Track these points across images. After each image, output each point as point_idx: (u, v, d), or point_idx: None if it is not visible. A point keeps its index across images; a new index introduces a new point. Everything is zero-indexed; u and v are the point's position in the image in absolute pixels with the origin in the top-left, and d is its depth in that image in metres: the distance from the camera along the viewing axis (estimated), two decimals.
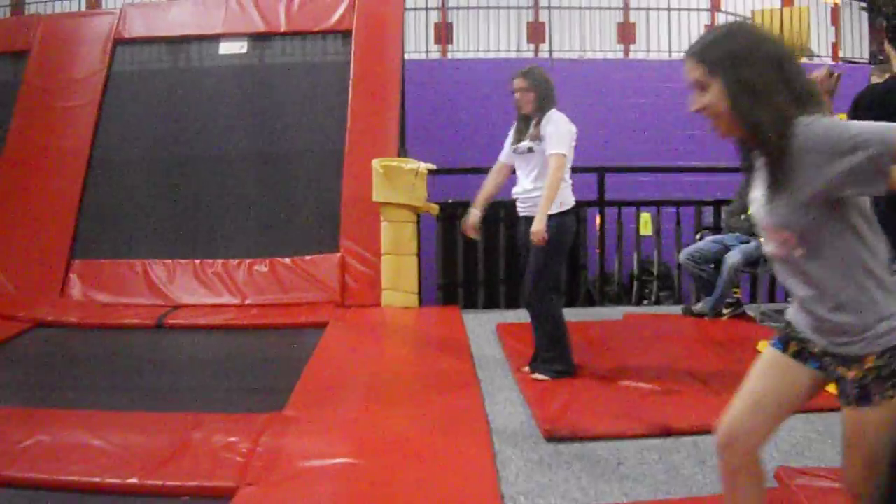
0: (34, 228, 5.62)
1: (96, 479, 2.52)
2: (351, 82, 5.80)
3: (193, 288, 5.36)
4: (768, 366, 1.61)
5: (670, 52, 9.96)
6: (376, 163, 5.13)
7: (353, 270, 5.30)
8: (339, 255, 5.35)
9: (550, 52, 10.06)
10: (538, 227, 3.24)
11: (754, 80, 1.37)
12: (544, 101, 3.38)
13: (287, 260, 5.42)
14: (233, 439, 2.76)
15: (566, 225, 3.38)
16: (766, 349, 1.65)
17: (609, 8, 10.90)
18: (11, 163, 5.83)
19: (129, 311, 5.10)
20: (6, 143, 5.88)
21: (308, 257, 5.41)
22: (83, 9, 10.56)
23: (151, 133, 5.98)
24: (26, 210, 5.68)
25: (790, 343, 1.59)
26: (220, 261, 5.47)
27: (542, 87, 3.38)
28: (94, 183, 5.82)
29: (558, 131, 3.32)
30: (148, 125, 6.00)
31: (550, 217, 3.27)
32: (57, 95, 6.01)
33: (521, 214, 3.52)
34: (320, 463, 2.60)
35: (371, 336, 4.56)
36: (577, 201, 3.50)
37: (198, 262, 5.49)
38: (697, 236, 5.34)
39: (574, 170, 3.50)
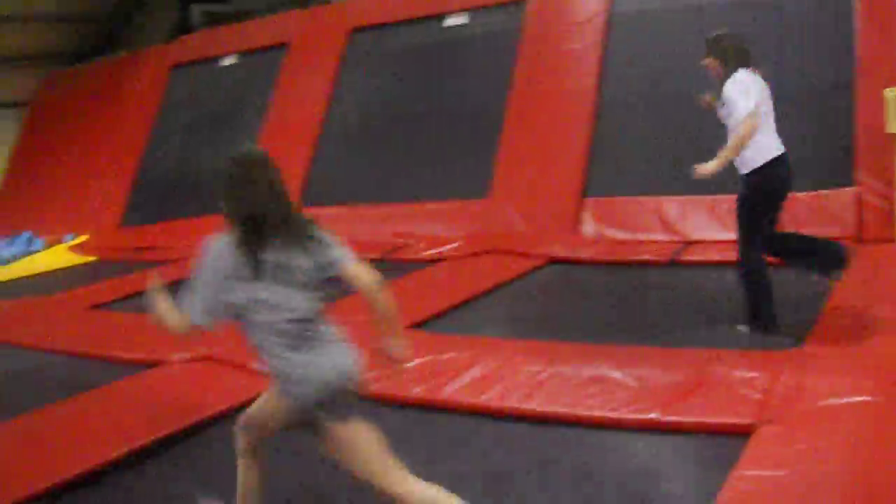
0: (545, 168, 7.08)
1: (615, 414, 3.13)
2: (857, 12, 6.23)
3: (706, 224, 6.08)
4: None
5: None
6: (890, 93, 5.32)
7: (869, 205, 5.64)
8: (855, 189, 5.74)
9: None
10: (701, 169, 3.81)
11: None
12: (727, 66, 4.01)
13: (801, 194, 5.68)
14: (751, 375, 3.20)
15: (754, 184, 3.92)
16: None
17: None
18: (519, 106, 7.43)
19: (642, 247, 6.06)
20: (512, 87, 7.47)
21: (822, 192, 5.78)
22: None
23: (657, 70, 6.99)
24: (536, 151, 7.20)
25: None
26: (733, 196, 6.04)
27: (720, 54, 4.08)
28: (602, 122, 7.05)
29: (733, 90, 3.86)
30: (650, 64, 7.04)
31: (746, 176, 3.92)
32: (558, 40, 7.46)
33: None
34: (842, 401, 2.87)
35: (890, 273, 4.66)
36: None
37: (710, 197, 6.15)
38: None
39: None
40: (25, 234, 10.90)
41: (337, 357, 2.27)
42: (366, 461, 2.23)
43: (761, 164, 3.87)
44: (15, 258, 10.12)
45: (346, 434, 2.23)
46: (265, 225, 2.22)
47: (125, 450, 3.25)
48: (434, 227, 7.35)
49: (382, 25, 9.08)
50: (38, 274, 9.03)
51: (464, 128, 7.88)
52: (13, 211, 12.15)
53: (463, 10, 8.44)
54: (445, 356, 3.90)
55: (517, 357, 3.81)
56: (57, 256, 9.88)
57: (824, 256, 4.07)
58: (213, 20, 11.83)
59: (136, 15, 14.47)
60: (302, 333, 2.23)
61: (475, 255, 6.51)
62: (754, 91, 3.83)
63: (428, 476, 2.28)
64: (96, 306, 6.58)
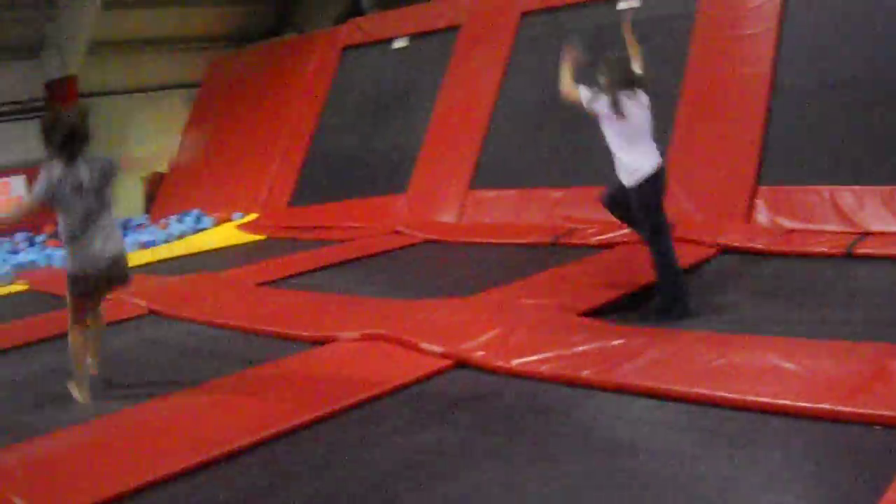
0: (718, 155, 7.69)
1: (785, 402, 3.40)
2: None
3: (883, 215, 6.52)
4: None
5: None
6: None
7: None
8: None
9: None
10: None
11: None
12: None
13: None
14: None
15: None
16: None
17: None
18: (693, 92, 8.08)
19: (817, 238, 6.53)
20: (686, 73, 8.09)
21: None
22: None
23: (833, 56, 7.48)
24: (710, 137, 7.82)
25: None
26: None
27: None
28: (777, 109, 7.60)
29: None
30: (825, 49, 7.54)
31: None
32: (733, 25, 8.12)
33: None
34: None
35: None
36: None
37: (888, 188, 6.59)
38: None
39: None
40: (194, 212, 12.49)
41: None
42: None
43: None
44: (184, 235, 11.59)
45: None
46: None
47: (296, 422, 3.77)
48: (605, 213, 8.03)
49: (554, 8, 9.88)
50: (206, 251, 10.19)
51: None
52: (183, 189, 13.85)
53: None
54: (615, 343, 4.28)
55: (689, 346, 4.15)
56: (225, 234, 11.22)
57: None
58: (384, 3, 13.01)
59: None
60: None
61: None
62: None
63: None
64: (265, 283, 7.34)
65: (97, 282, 4.62)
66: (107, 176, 4.66)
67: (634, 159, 5.10)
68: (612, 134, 5.20)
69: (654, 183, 5.11)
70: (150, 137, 16.76)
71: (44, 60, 15.76)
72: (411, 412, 3.85)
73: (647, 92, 5.21)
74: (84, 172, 4.52)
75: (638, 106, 5.11)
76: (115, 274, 4.66)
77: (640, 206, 5.16)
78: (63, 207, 4.49)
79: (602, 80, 5.17)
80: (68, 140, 4.48)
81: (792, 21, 7.82)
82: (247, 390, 4.36)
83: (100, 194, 4.59)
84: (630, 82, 5.11)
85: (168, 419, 4.05)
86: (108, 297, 5.14)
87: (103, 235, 4.57)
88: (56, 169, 4.48)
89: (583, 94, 5.24)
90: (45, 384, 5.04)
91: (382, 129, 10.98)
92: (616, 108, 5.03)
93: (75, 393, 4.64)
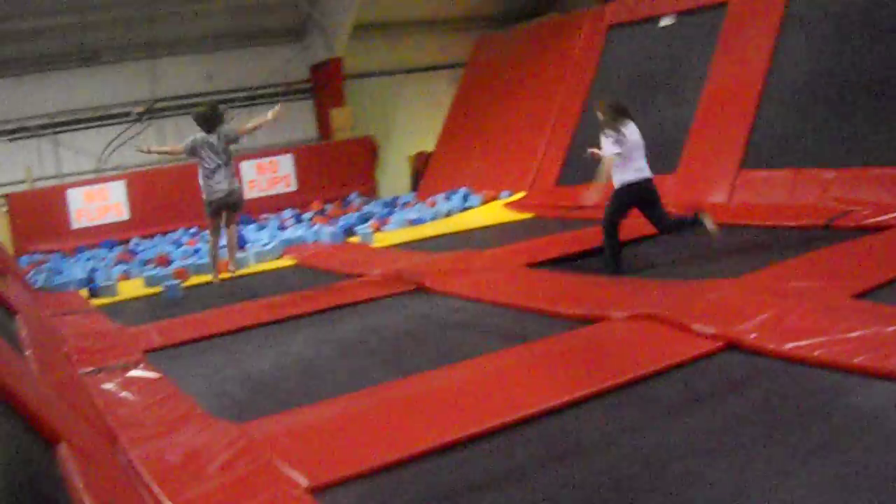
0: None
1: None
2: None
3: None
4: None
5: None
6: None
7: None
8: None
9: None
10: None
11: None
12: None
13: None
14: None
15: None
16: None
17: None
18: None
19: None
20: None
21: None
22: None
23: None
24: None
25: None
26: None
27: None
28: None
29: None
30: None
31: None
32: None
33: None
34: None
35: None
36: None
37: None
38: None
39: None
40: (462, 190, 12.92)
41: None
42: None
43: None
44: (451, 213, 12.04)
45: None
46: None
47: (568, 398, 3.81)
48: (879, 194, 7.56)
49: None
50: (473, 229, 10.52)
51: None
52: (450, 167, 14.38)
53: None
54: (891, 327, 4.05)
55: None
56: (493, 212, 11.52)
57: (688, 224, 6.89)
58: None
59: None
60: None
61: None
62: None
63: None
64: (533, 262, 7.47)
65: (219, 206, 7.68)
66: (228, 140, 7.60)
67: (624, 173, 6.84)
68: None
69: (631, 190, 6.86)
70: (416, 117, 17.52)
71: (308, 43, 16.88)
72: (682, 393, 3.82)
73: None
74: (213, 138, 7.53)
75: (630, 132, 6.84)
76: (231, 201, 7.70)
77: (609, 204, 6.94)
78: (200, 158, 7.55)
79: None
80: (202, 120, 7.58)
81: None
82: (519, 366, 4.46)
83: (224, 151, 7.56)
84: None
85: (439, 391, 4.20)
86: (235, 217, 7.93)
87: (224, 176, 7.57)
88: (199, 135, 7.55)
89: (606, 145, 6.78)
90: (309, 357, 5.39)
91: (650, 108, 10.79)
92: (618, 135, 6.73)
93: None
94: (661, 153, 10.23)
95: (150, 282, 9.13)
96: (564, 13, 14.94)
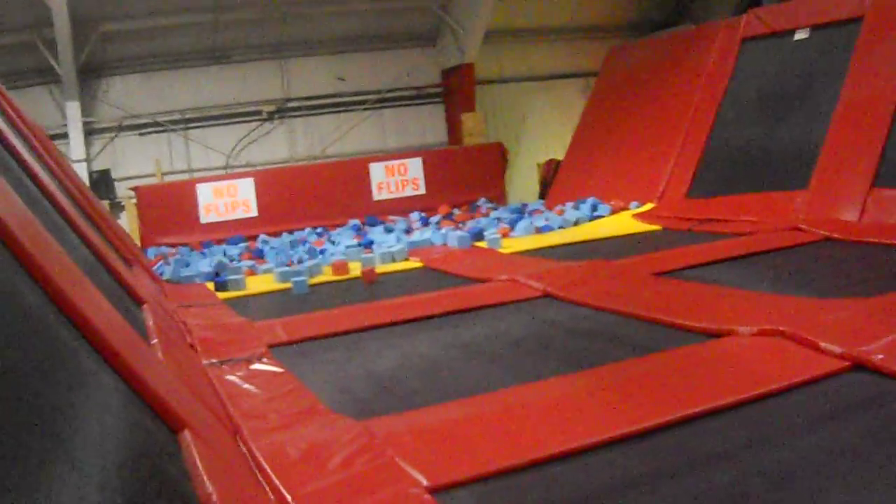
0: None
1: None
2: None
3: None
4: None
5: None
6: None
7: None
8: None
9: None
10: None
11: None
12: None
13: None
14: None
15: None
16: None
17: None
18: None
19: None
20: None
21: None
22: None
23: None
24: None
25: None
26: None
27: None
28: None
29: None
30: None
31: None
32: None
33: None
34: None
35: None
36: None
37: None
38: None
39: None
40: (590, 200, 12.74)
41: None
42: None
43: None
44: (580, 221, 11.90)
45: None
46: None
47: (689, 412, 3.73)
48: None
49: None
50: (600, 238, 10.42)
51: None
52: (579, 176, 14.23)
53: None
54: None
55: None
56: (621, 222, 11.34)
57: None
58: None
59: None
60: None
61: None
62: None
63: None
64: (660, 273, 7.35)
65: None
66: None
67: None
68: None
69: None
70: (545, 125, 17.44)
71: (441, 48, 17.01)
72: (807, 412, 3.71)
73: None
74: None
75: None
76: None
77: None
78: None
79: None
80: None
81: None
82: (644, 377, 4.39)
83: None
84: None
85: (564, 398, 4.14)
86: None
87: None
88: None
89: None
90: (433, 358, 5.35)
91: (782, 122, 10.56)
92: None
93: None
94: (793, 169, 10.07)
95: (281, 277, 9.29)
96: (698, 24, 14.64)
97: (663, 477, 3.17)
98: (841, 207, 9.12)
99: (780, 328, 4.74)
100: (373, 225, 14.03)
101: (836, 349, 4.30)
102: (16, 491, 1.31)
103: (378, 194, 15.22)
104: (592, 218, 12.07)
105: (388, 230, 12.89)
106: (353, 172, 15.36)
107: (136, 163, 15.36)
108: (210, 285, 9.30)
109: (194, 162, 15.81)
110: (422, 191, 15.60)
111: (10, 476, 1.33)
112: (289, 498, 3.05)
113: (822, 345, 4.38)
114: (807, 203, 9.49)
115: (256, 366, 5.21)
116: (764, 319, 4.99)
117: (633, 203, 12.20)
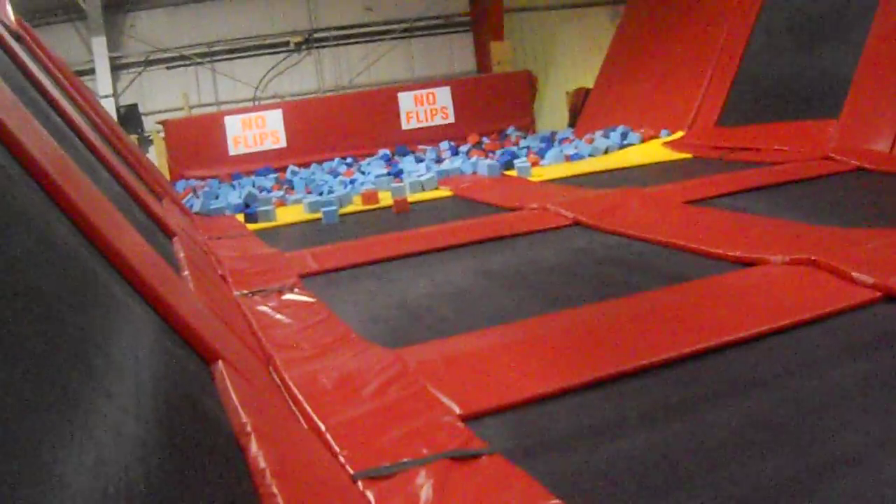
0: None
1: None
2: None
3: None
4: None
5: None
6: None
7: None
8: None
9: None
10: None
11: None
12: None
13: None
14: None
15: None
16: None
17: None
18: None
19: None
20: None
21: None
22: None
23: None
24: None
25: None
26: None
27: None
28: None
29: None
30: None
31: None
32: None
33: None
34: None
35: None
36: None
37: None
38: None
39: None
40: (620, 128, 12.57)
41: None
42: None
43: None
44: (610, 150, 11.77)
45: None
46: None
47: (720, 340, 3.71)
48: None
49: None
50: (630, 166, 10.31)
51: None
52: (608, 104, 14.02)
53: None
54: None
55: None
56: (651, 151, 11.19)
57: None
58: None
59: None
60: None
61: None
62: None
63: None
64: (690, 202, 7.26)
65: None
66: None
67: None
68: None
69: None
70: (574, 53, 17.14)
71: None
72: (838, 342, 3.67)
73: None
74: None
75: None
76: None
77: None
78: None
79: None
80: None
81: None
82: (676, 305, 4.34)
83: None
84: None
85: (595, 326, 4.12)
86: None
87: None
88: None
89: None
90: (464, 287, 5.33)
91: (815, 50, 10.23)
92: None
93: None
94: (825, 98, 9.77)
95: (311, 207, 9.30)
96: None
97: (696, 403, 3.16)
98: (873, 137, 8.87)
99: (812, 258, 4.70)
100: (403, 154, 13.96)
101: (868, 279, 4.24)
102: (52, 419, 1.31)
103: (407, 124, 15.12)
104: (622, 146, 11.92)
105: (419, 160, 12.85)
106: (382, 102, 15.25)
107: (164, 97, 15.32)
108: (240, 217, 9.33)
109: (222, 95, 15.74)
110: (451, 120, 15.48)
111: (47, 405, 1.33)
112: (322, 427, 3.06)
113: (854, 275, 4.32)
114: (838, 132, 9.25)
115: (288, 296, 5.23)
116: (796, 249, 4.94)
117: (664, 131, 12.01)
